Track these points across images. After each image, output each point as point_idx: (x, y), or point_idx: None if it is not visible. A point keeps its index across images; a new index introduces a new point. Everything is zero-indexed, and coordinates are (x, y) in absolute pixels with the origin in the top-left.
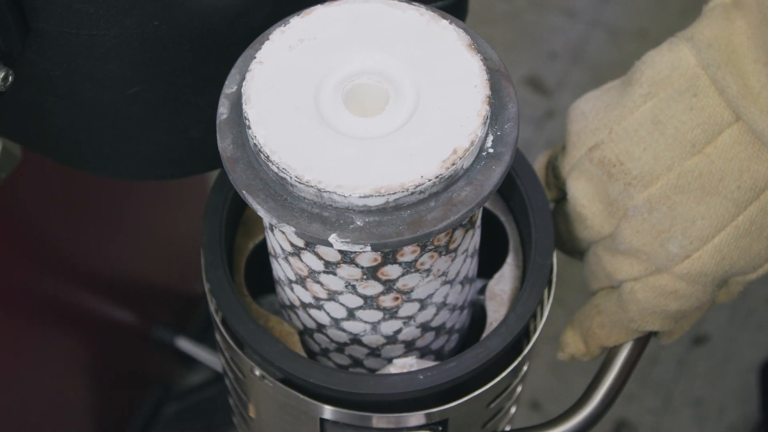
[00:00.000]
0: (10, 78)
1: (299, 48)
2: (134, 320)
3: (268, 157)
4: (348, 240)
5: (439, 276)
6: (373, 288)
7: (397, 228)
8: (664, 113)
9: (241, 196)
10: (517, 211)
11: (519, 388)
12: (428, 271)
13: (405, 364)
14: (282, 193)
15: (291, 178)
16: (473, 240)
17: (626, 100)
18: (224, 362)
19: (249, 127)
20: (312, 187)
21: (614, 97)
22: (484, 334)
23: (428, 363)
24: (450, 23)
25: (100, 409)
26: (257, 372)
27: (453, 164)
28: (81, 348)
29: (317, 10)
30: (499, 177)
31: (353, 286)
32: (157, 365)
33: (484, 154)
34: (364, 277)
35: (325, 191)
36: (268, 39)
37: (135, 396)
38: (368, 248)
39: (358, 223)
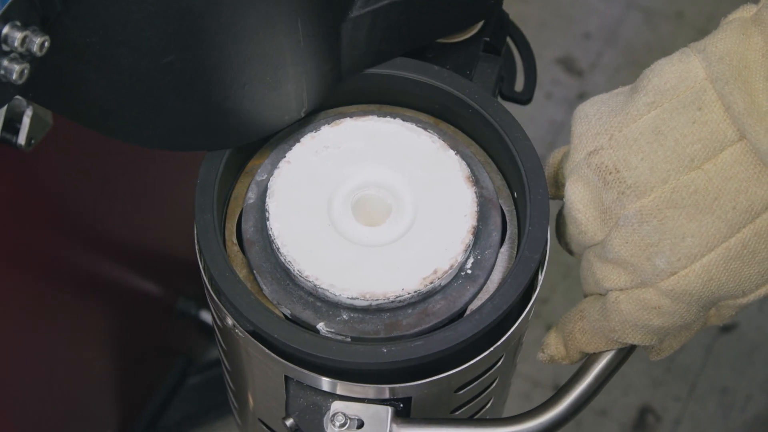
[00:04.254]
0: (46, 44)
1: (323, 154)
2: (159, 292)
3: (278, 248)
4: (333, 330)
5: None
6: None
7: (375, 327)
8: (666, 124)
9: (252, 275)
10: (519, 204)
11: (496, 380)
12: None
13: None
14: (285, 279)
15: (294, 270)
16: None
17: (630, 108)
18: (210, 310)
19: (268, 219)
20: (310, 282)
21: (620, 102)
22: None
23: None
24: (455, 154)
25: (124, 379)
26: (229, 321)
27: (431, 282)
28: (106, 319)
29: (345, 122)
30: (471, 296)
31: None
32: (181, 337)
33: (462, 273)
34: None
35: (320, 287)
36: (299, 141)
37: (159, 367)
38: (348, 339)
39: (344, 317)
